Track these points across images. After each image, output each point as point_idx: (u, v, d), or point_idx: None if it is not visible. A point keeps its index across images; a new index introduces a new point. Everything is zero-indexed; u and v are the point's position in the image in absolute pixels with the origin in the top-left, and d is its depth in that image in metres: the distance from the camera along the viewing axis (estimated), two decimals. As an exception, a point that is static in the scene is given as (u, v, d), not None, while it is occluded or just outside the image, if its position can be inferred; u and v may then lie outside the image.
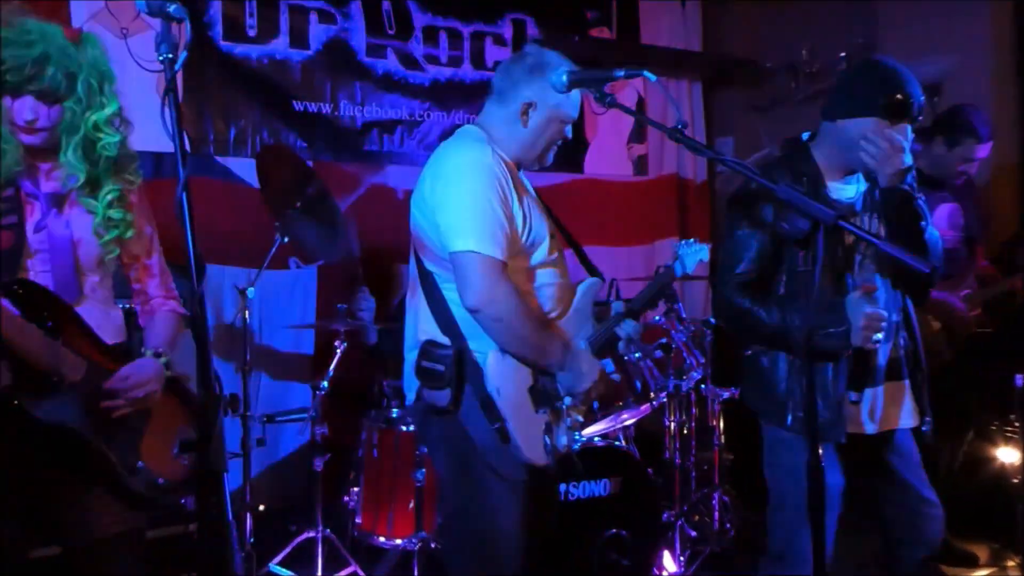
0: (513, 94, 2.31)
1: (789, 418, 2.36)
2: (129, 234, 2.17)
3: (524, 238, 2.23)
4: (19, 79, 1.96)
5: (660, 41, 5.59)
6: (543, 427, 2.22)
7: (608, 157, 5.46)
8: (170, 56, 1.59)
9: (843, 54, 4.98)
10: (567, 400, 2.27)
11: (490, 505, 2.21)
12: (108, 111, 2.10)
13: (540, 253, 2.28)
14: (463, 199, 2.16)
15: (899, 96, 2.34)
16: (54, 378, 1.99)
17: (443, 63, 4.88)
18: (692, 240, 2.83)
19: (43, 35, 2.01)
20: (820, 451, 1.87)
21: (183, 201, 1.57)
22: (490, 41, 5.03)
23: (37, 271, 2.06)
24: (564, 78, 2.19)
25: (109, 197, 2.14)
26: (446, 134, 4.84)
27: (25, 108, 2.01)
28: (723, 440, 4.15)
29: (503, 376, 2.17)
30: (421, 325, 2.26)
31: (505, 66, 2.40)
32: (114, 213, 2.14)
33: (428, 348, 2.20)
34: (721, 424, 4.14)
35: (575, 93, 2.31)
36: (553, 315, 2.30)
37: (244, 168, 4.24)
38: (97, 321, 2.12)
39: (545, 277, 2.30)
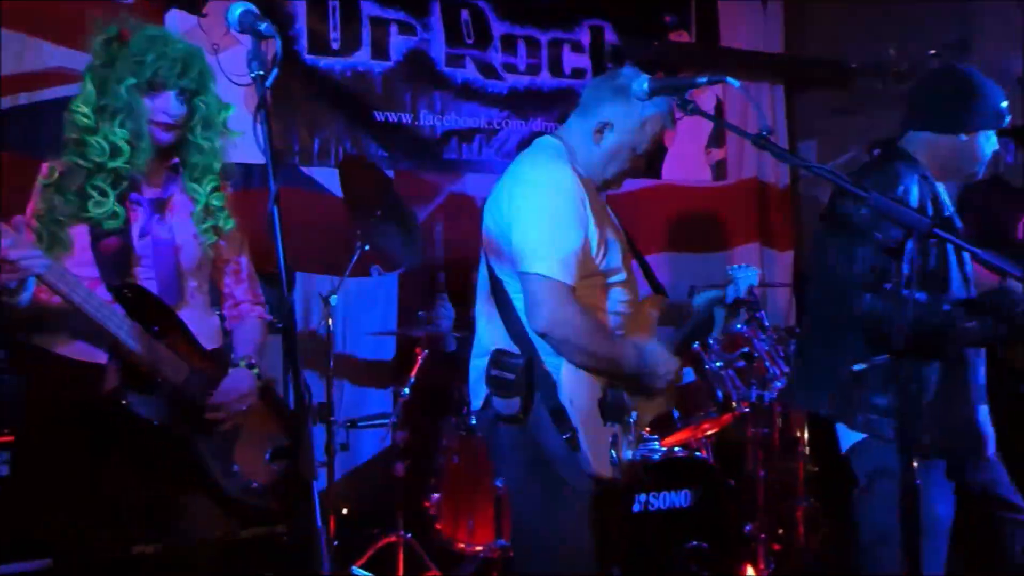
0: (595, 110, 2.31)
1: (926, 438, 2.20)
2: (229, 225, 2.26)
3: (599, 260, 2.24)
4: (167, 76, 2.06)
5: (740, 43, 5.39)
6: (610, 440, 2.22)
7: (686, 162, 5.37)
8: (261, 73, 1.65)
9: (933, 51, 4.81)
10: (635, 414, 2.28)
11: (559, 514, 2.23)
12: (230, 111, 2.24)
13: (617, 275, 2.30)
14: (538, 219, 2.16)
15: (1004, 104, 2.34)
16: (157, 379, 2.08)
17: (521, 71, 4.87)
18: (744, 265, 2.81)
19: (177, 37, 2.16)
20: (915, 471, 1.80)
21: (274, 213, 1.62)
22: (568, 48, 5.02)
23: (142, 277, 2.15)
24: (645, 85, 2.16)
25: (211, 185, 2.23)
26: (524, 142, 4.87)
27: (169, 104, 2.11)
28: (807, 451, 4.04)
29: (577, 387, 2.19)
30: (491, 333, 2.28)
31: (595, 81, 2.42)
32: (215, 200, 2.24)
33: (498, 356, 2.22)
34: (805, 435, 4.04)
35: (654, 125, 2.30)
36: (619, 332, 2.32)
37: (327, 177, 4.33)
38: (196, 326, 2.21)
39: (616, 295, 2.31)
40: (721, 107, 5.50)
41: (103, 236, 2.09)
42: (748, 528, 3.70)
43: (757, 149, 2.08)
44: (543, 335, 2.15)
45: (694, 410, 3.65)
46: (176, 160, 2.23)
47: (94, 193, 2.08)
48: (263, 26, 1.67)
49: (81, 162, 2.09)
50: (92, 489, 2.12)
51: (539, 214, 2.16)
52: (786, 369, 3.93)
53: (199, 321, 2.23)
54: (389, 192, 3.78)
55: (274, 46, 1.68)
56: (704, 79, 2.07)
